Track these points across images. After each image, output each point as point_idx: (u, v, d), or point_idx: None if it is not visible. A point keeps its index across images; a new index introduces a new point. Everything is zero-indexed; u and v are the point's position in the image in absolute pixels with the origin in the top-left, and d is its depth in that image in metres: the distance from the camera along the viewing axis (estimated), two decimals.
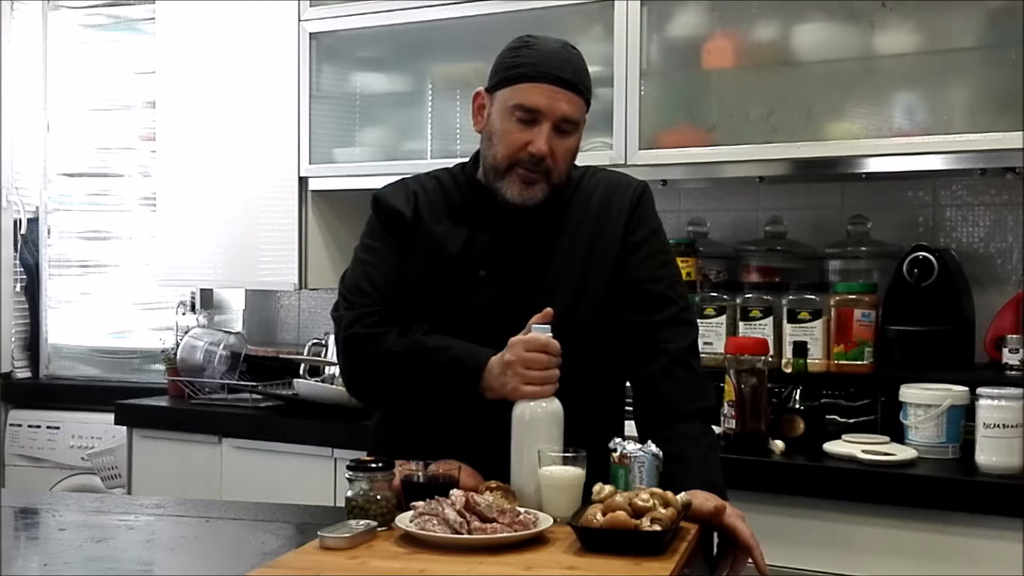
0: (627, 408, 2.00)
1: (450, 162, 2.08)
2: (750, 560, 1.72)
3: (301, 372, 3.30)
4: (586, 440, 1.73)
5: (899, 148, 2.56)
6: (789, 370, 2.67)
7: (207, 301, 3.86)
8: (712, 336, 2.81)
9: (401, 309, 1.90)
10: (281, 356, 3.47)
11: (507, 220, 1.91)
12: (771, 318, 2.76)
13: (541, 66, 1.85)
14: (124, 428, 3.37)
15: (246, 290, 3.84)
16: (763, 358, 2.54)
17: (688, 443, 1.80)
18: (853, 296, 2.69)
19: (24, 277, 4.19)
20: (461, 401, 1.82)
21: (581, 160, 2.91)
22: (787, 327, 2.73)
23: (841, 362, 2.67)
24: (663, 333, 1.89)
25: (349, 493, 1.64)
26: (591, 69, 2.85)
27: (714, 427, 2.59)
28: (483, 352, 1.80)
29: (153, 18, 3.71)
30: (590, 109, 2.85)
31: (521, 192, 1.86)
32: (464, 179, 1.98)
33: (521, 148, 1.84)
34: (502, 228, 1.92)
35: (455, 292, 1.89)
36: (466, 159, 2.06)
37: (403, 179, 2.02)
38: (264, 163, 3.42)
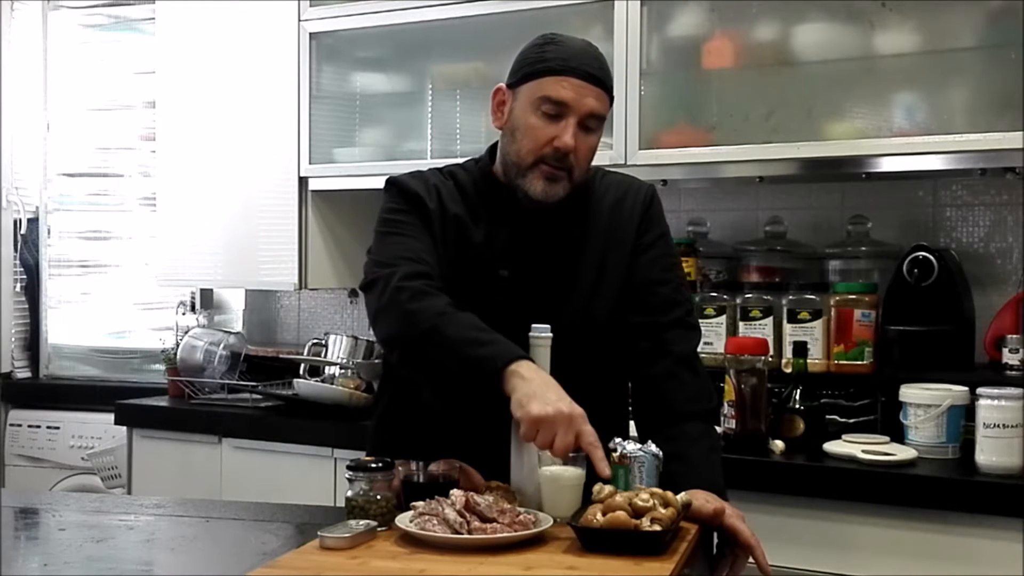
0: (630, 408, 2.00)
1: (450, 162, 2.07)
2: (751, 560, 1.71)
3: (301, 372, 3.30)
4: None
5: (899, 148, 2.56)
6: (789, 370, 2.67)
7: (207, 301, 3.86)
8: (712, 336, 2.81)
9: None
10: (281, 356, 3.47)
11: (525, 218, 1.90)
12: (771, 318, 2.76)
13: (569, 61, 1.83)
14: (124, 428, 3.37)
15: (246, 290, 3.84)
16: (763, 358, 2.54)
17: (690, 442, 1.80)
18: (853, 296, 2.69)
19: (24, 277, 4.19)
20: (477, 384, 1.69)
21: None
22: (787, 327, 2.73)
23: (841, 362, 2.67)
24: (668, 335, 1.89)
25: (349, 493, 1.63)
26: None
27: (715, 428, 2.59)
28: (521, 353, 1.70)
29: (153, 18, 3.71)
30: None
31: (544, 189, 1.85)
32: (479, 174, 1.96)
33: (547, 143, 1.83)
34: (520, 226, 1.91)
35: (475, 290, 1.87)
36: (466, 159, 2.05)
37: (420, 171, 1.98)
38: (264, 163, 3.42)
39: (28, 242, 4.19)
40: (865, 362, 2.66)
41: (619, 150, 2.82)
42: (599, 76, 1.85)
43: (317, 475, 2.91)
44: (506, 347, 1.69)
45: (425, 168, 2.02)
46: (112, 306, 4.18)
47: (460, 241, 1.90)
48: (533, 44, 1.89)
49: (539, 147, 1.83)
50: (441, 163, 2.09)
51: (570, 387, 1.74)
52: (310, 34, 3.33)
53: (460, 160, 2.07)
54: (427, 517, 1.53)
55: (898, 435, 2.48)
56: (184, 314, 3.76)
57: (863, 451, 2.37)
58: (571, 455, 1.69)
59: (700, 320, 2.81)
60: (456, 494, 1.58)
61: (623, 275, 1.91)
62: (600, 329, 1.89)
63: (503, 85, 1.91)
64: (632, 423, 1.99)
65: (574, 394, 1.74)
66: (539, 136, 1.83)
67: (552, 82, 1.82)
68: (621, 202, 1.95)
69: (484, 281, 1.88)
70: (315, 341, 3.38)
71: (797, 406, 2.59)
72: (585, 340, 1.80)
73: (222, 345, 3.49)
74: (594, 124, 1.86)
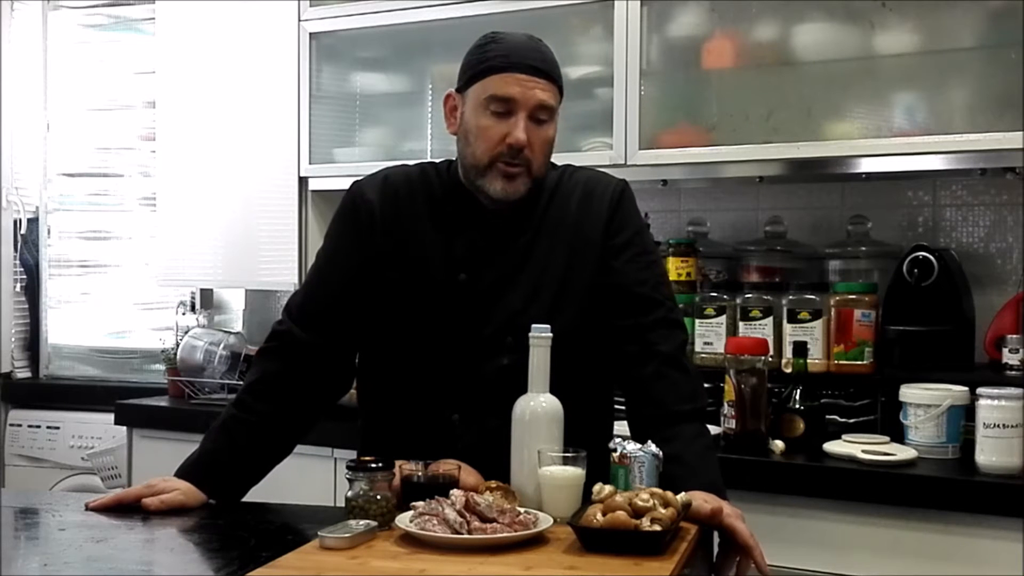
0: (619, 409, 1.99)
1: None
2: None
3: None
4: (577, 442, 1.73)
5: (899, 148, 2.56)
6: (789, 370, 2.67)
7: (207, 301, 3.86)
8: (712, 336, 2.81)
9: (328, 320, 1.93)
10: None
11: (487, 222, 1.89)
12: (771, 318, 2.76)
13: (511, 56, 1.83)
14: (124, 428, 3.37)
15: (246, 290, 3.84)
16: (763, 358, 2.54)
17: (685, 444, 1.79)
18: (853, 296, 2.69)
19: (24, 277, 4.19)
20: None
21: (581, 160, 2.91)
22: (787, 327, 2.73)
23: (841, 362, 2.67)
24: (653, 335, 1.86)
25: (349, 493, 1.63)
26: (591, 69, 2.91)
27: (713, 427, 2.60)
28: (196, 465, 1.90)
29: (153, 18, 3.71)
30: (589, 109, 2.89)
31: (504, 187, 1.83)
32: (447, 177, 1.95)
33: (500, 142, 1.82)
34: (482, 230, 1.89)
35: (434, 296, 1.87)
36: (442, 159, 2.03)
37: (385, 173, 1.98)
38: (264, 163, 3.42)
39: (28, 242, 4.19)
40: (865, 362, 2.66)
41: (619, 150, 2.82)
42: (543, 68, 1.84)
43: (317, 475, 2.91)
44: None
45: None
46: (112, 306, 4.18)
47: (417, 247, 1.89)
48: (476, 45, 1.89)
49: (493, 147, 1.83)
50: None
51: (549, 390, 1.73)
52: (310, 34, 3.33)
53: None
54: (427, 517, 1.53)
55: (898, 435, 2.48)
56: (184, 314, 3.76)
57: (863, 451, 2.37)
58: (571, 455, 1.69)
59: (700, 320, 2.83)
60: (456, 494, 1.58)
61: (591, 277, 1.88)
62: (569, 331, 1.83)
63: (452, 91, 1.91)
64: (618, 425, 1.98)
65: (555, 386, 1.73)
66: (491, 136, 1.83)
67: (497, 80, 1.82)
68: (588, 201, 1.92)
69: (442, 286, 1.87)
70: None
71: (797, 406, 2.59)
72: (555, 343, 1.78)
73: (222, 345, 3.49)
74: (545, 116, 1.85)
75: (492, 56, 1.84)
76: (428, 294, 1.88)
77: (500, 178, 1.84)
